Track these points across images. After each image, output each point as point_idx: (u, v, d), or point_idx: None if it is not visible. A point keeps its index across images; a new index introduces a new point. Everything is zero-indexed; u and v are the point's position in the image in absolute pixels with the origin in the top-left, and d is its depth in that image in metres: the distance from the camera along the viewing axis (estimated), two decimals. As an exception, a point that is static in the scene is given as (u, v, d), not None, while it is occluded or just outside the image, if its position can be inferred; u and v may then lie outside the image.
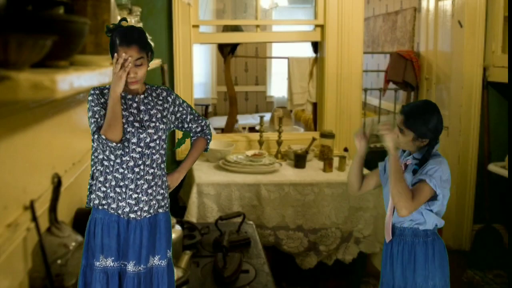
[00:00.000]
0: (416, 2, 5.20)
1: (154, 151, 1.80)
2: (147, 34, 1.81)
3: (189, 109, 1.95)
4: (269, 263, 2.46)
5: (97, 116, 1.71)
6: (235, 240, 2.62)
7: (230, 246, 2.50)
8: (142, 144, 1.77)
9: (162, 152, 1.85)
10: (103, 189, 1.77)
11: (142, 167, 1.78)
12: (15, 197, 1.66)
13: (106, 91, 1.76)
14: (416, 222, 2.04)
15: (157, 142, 1.80)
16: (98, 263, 1.76)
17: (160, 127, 1.81)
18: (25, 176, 1.73)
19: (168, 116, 1.87)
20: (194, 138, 2.00)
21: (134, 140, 1.75)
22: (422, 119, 1.97)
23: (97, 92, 1.74)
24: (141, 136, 1.76)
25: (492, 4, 3.84)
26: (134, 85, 1.73)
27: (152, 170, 1.80)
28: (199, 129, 1.97)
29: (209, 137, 2.01)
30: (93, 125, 1.71)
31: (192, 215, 3.22)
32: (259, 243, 2.69)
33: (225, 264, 2.27)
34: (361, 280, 3.59)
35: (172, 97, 1.89)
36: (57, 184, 1.93)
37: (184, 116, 1.93)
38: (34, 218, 1.73)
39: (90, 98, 1.73)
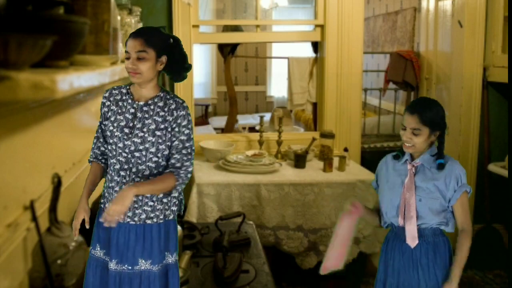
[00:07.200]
0: (416, 2, 5.19)
1: (139, 161, 1.77)
2: (170, 40, 1.78)
3: (186, 139, 1.77)
4: (269, 263, 2.46)
5: (100, 120, 1.89)
6: (235, 240, 2.62)
7: (230, 246, 2.50)
8: (127, 151, 1.77)
9: (152, 165, 1.77)
10: (103, 188, 1.89)
11: (128, 172, 1.78)
12: (15, 197, 1.65)
13: (115, 91, 1.86)
14: (442, 224, 2.03)
15: (143, 153, 1.75)
16: (94, 251, 1.86)
17: (148, 139, 1.74)
18: (25, 176, 1.73)
19: (166, 130, 1.76)
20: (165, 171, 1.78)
21: (120, 145, 1.78)
22: (433, 112, 1.99)
23: (105, 95, 1.87)
24: (126, 142, 1.77)
25: (492, 4, 3.84)
26: (135, 77, 1.71)
27: (138, 179, 1.78)
28: (178, 164, 1.76)
29: (180, 179, 1.76)
30: (98, 128, 1.91)
31: (192, 215, 3.22)
32: (259, 243, 2.69)
33: (225, 264, 2.27)
34: (361, 280, 3.58)
35: (178, 114, 1.75)
36: (57, 184, 1.92)
37: (176, 141, 1.76)
38: (34, 218, 1.73)
39: (102, 100, 1.88)
